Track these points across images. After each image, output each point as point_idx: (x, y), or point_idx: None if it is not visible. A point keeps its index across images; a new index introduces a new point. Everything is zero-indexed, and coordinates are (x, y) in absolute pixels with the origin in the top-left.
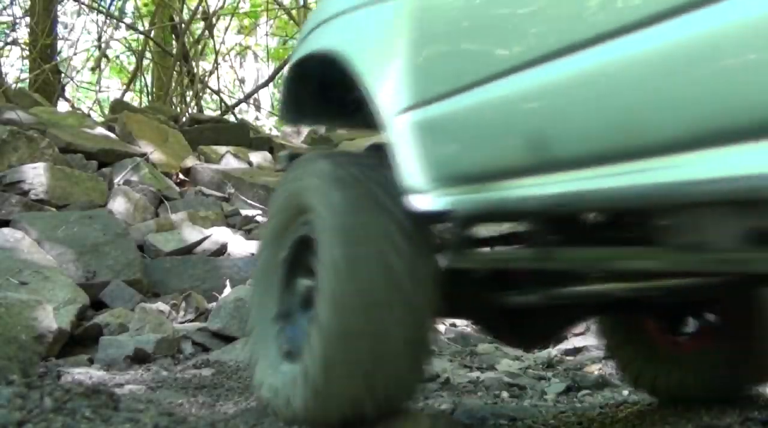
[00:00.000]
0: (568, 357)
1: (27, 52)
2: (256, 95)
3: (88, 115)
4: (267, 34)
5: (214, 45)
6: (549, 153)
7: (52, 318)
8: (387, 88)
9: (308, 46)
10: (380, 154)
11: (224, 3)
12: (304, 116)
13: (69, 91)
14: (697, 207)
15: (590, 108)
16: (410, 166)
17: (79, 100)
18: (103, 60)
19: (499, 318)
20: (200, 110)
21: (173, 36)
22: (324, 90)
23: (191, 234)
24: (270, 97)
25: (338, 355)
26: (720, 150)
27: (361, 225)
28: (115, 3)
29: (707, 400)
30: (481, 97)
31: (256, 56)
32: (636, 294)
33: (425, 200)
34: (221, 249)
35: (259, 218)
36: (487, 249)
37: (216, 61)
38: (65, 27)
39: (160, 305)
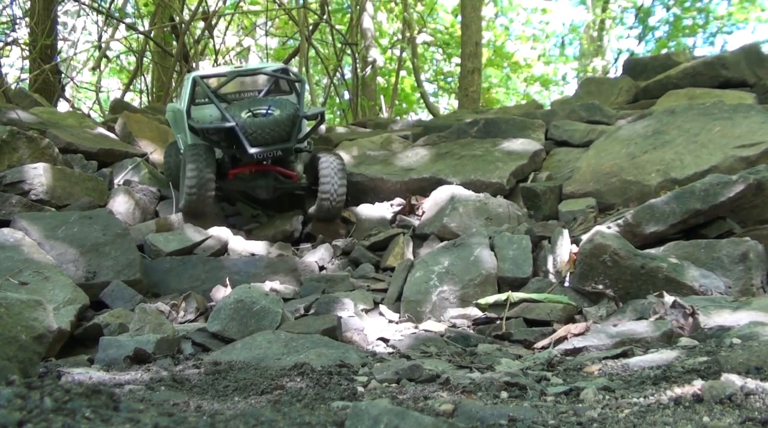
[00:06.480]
0: (568, 357)
1: (27, 52)
2: None
3: (88, 115)
4: (266, 34)
5: (214, 45)
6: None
7: (52, 318)
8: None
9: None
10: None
11: (225, 2)
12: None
13: (69, 91)
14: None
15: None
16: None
17: (79, 100)
18: (103, 60)
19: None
20: None
21: (173, 36)
22: None
23: (192, 234)
24: None
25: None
26: None
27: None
28: (115, 3)
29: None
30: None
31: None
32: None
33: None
34: (222, 249)
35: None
36: None
37: (216, 61)
38: (65, 27)
39: (160, 305)
